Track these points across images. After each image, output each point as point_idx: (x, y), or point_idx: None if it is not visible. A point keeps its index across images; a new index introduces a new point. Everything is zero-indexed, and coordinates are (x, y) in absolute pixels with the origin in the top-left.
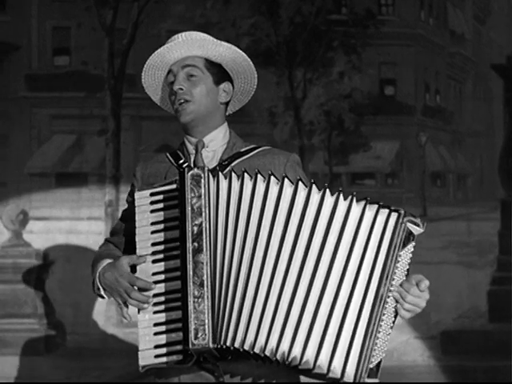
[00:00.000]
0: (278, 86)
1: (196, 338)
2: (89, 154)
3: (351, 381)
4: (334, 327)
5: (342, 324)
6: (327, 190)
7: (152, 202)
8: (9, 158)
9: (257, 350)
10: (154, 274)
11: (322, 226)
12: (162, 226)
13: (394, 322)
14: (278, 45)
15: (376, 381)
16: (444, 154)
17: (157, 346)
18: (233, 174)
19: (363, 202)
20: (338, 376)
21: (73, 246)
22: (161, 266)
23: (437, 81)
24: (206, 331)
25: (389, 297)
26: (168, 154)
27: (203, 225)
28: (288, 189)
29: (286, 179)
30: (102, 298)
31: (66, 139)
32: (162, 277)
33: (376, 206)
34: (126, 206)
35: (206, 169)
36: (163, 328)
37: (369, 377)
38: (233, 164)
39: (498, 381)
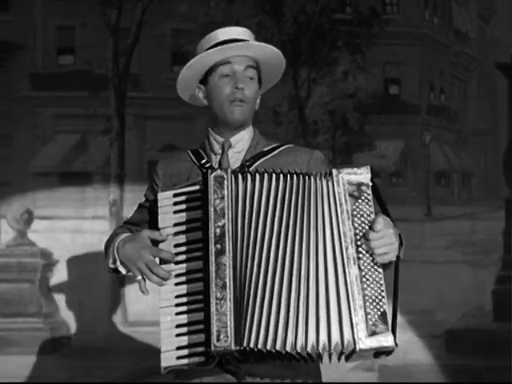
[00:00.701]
0: (283, 86)
1: (218, 340)
2: (93, 154)
3: (352, 346)
4: (323, 308)
5: (327, 302)
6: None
7: (175, 203)
8: (13, 158)
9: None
10: (176, 275)
11: (311, 218)
12: (184, 228)
13: (381, 273)
14: (282, 44)
15: (387, 338)
16: (448, 153)
17: (179, 348)
18: (257, 175)
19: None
20: (340, 347)
21: (77, 244)
22: (183, 268)
23: (441, 80)
24: (229, 333)
25: (359, 253)
26: (190, 153)
27: (226, 227)
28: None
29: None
30: (117, 272)
31: (70, 138)
32: (185, 278)
33: (319, 175)
34: (144, 200)
35: (230, 170)
36: (185, 329)
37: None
38: (256, 164)
39: (502, 380)
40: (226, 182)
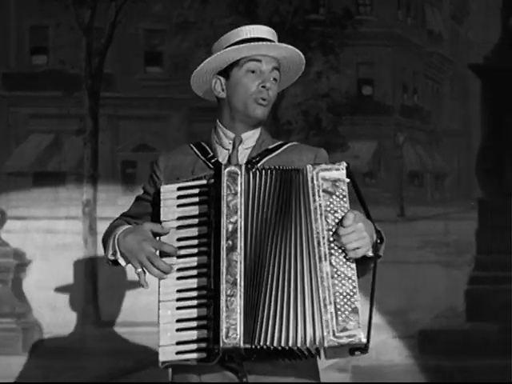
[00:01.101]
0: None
1: (227, 336)
2: (67, 154)
3: (318, 343)
4: (309, 305)
5: (312, 299)
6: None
7: (179, 197)
8: None
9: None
10: (178, 269)
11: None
12: (188, 222)
13: (354, 269)
14: None
15: (356, 333)
16: (421, 154)
17: (179, 343)
18: (269, 171)
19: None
20: (311, 345)
21: (50, 245)
22: (186, 262)
23: (414, 80)
24: (238, 330)
25: (332, 249)
26: (193, 146)
27: (238, 223)
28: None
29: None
30: (115, 264)
31: (43, 138)
32: (187, 273)
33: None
34: (142, 192)
35: (243, 166)
36: (186, 325)
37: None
38: (262, 161)
39: (502, 380)
40: (239, 178)
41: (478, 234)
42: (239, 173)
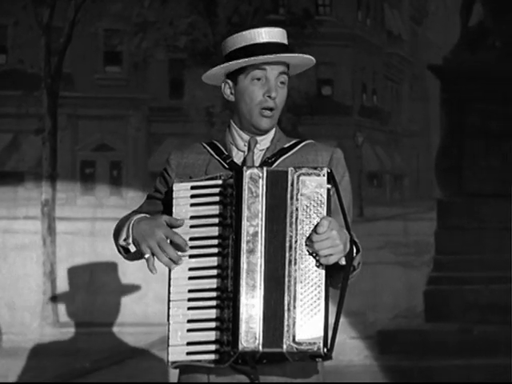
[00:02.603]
0: (216, 86)
1: (246, 340)
2: (25, 153)
3: (281, 349)
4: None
5: (281, 301)
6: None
7: (193, 196)
8: None
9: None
10: (190, 269)
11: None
12: (201, 222)
13: (322, 275)
14: (215, 44)
15: (313, 336)
16: (380, 154)
17: (190, 343)
18: (289, 175)
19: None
20: (273, 350)
21: (8, 245)
22: (198, 262)
23: (374, 81)
24: (257, 335)
25: (304, 253)
26: (206, 145)
27: (259, 226)
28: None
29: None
30: (126, 252)
31: (2, 138)
32: (199, 273)
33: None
34: (153, 190)
35: (266, 169)
36: (198, 325)
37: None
38: (278, 162)
39: (503, 380)
40: (261, 181)
41: (437, 234)
42: (261, 175)
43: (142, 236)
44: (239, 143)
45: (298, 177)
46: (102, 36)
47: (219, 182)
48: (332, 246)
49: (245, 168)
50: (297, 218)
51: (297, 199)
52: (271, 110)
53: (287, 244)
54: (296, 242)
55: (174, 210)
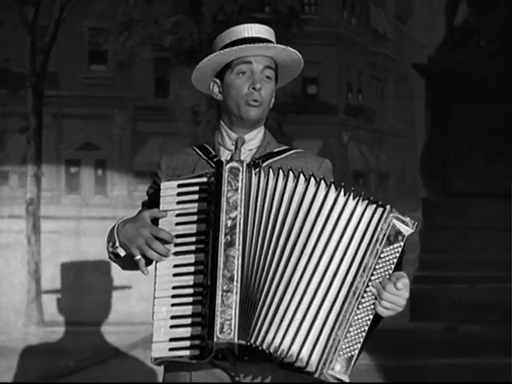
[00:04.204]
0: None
1: (222, 332)
2: (10, 152)
3: (313, 370)
4: (310, 319)
5: (316, 315)
6: (341, 190)
7: (179, 194)
8: None
9: (272, 349)
10: (175, 266)
11: (327, 224)
12: (187, 219)
13: (370, 320)
14: (200, 43)
15: (344, 378)
16: (366, 153)
17: (172, 339)
18: (270, 171)
19: (357, 198)
20: (304, 364)
21: None
22: (182, 259)
23: (359, 80)
24: (232, 326)
25: (366, 292)
26: (195, 148)
27: (237, 219)
28: (322, 192)
29: (322, 182)
30: (116, 257)
31: None
32: (184, 270)
33: (366, 201)
34: (147, 198)
35: (245, 163)
36: (181, 321)
37: (337, 372)
38: (266, 163)
39: (503, 380)
40: (240, 174)
41: (422, 233)
42: (241, 169)
43: (129, 239)
44: (227, 143)
45: (391, 219)
46: (87, 35)
47: (204, 179)
48: (397, 305)
49: (225, 162)
50: (375, 256)
51: (382, 238)
52: (256, 101)
53: (357, 272)
54: (367, 276)
55: (161, 209)
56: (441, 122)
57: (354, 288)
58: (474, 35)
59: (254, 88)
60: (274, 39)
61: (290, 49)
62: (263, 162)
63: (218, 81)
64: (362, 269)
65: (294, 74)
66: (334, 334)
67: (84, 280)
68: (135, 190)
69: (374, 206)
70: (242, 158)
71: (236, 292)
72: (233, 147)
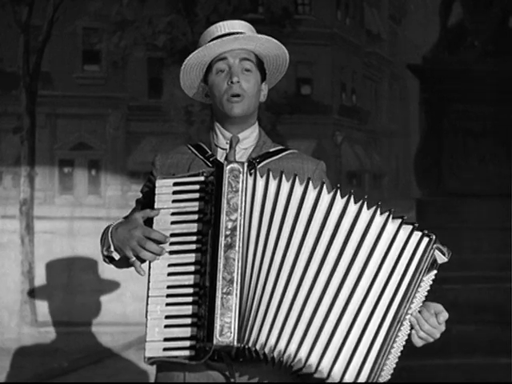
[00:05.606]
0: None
1: (221, 334)
2: (3, 152)
3: None
4: (352, 341)
5: (359, 340)
6: (364, 204)
7: (174, 192)
8: None
9: (275, 354)
10: (170, 265)
11: (355, 239)
12: (183, 218)
13: (404, 347)
14: (194, 43)
15: None
16: (360, 154)
17: (167, 339)
18: (270, 173)
19: (399, 221)
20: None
21: None
22: (177, 259)
23: (353, 80)
24: (232, 329)
25: (405, 319)
26: (190, 146)
27: (238, 221)
28: (326, 196)
29: (324, 186)
30: (112, 260)
31: None
32: (179, 269)
33: (410, 227)
34: (141, 196)
35: (246, 164)
36: (176, 321)
37: None
38: (263, 163)
39: (503, 380)
40: (241, 176)
41: None
42: (241, 170)
43: (122, 241)
44: (221, 142)
45: (434, 249)
46: (80, 35)
47: (201, 178)
48: (433, 337)
49: (225, 162)
50: (419, 284)
51: (425, 266)
52: (238, 96)
53: (405, 299)
54: (407, 302)
55: (155, 207)
56: (435, 123)
57: (398, 317)
58: (468, 36)
59: (231, 82)
60: (251, 32)
61: (262, 36)
62: (260, 163)
63: (204, 85)
64: (406, 298)
65: (283, 66)
66: (379, 360)
67: (77, 280)
68: (129, 190)
69: (420, 234)
70: (237, 157)
71: (236, 294)
72: (227, 146)
